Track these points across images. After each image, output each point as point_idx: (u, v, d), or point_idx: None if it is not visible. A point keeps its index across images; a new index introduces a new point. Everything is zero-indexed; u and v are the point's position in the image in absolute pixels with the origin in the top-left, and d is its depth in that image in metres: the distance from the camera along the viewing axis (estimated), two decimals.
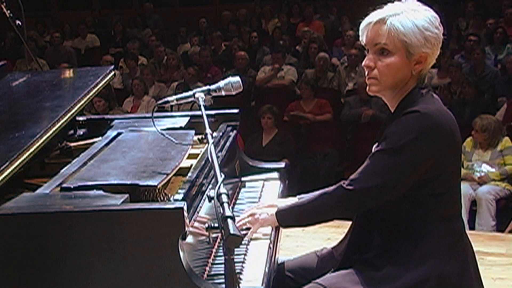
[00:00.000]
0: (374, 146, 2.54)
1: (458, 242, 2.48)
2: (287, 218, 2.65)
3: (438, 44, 2.48)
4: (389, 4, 2.50)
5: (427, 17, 2.45)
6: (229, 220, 2.06)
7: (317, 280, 2.55)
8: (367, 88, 2.55)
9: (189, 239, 2.36)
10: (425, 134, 2.35)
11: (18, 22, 4.29)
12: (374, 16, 2.49)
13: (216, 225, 2.28)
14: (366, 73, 2.53)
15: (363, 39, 2.53)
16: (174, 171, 2.66)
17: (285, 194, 3.40)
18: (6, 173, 2.43)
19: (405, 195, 2.41)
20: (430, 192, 2.41)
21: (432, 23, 2.45)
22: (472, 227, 6.35)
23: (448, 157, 2.42)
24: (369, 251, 2.50)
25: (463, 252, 2.49)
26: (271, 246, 2.71)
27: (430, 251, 2.42)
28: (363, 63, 2.54)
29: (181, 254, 2.23)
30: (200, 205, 2.59)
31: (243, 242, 2.61)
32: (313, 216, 2.60)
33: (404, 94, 2.50)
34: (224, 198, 2.15)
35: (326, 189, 2.55)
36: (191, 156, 3.00)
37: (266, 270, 2.54)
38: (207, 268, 2.52)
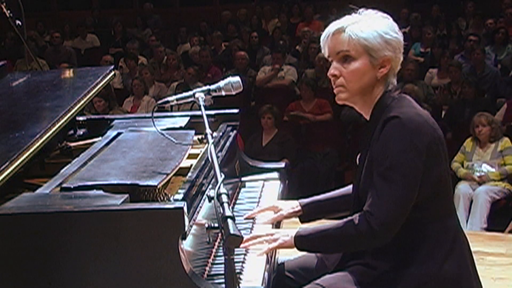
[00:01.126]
0: (358, 157, 2.55)
1: (455, 240, 2.48)
2: (306, 245, 2.58)
3: (400, 48, 2.50)
4: (347, 16, 2.53)
5: (385, 22, 2.49)
6: (229, 220, 2.06)
7: (317, 281, 2.55)
8: (336, 97, 2.56)
9: (189, 239, 2.37)
10: (411, 141, 2.35)
11: (18, 22, 4.29)
12: (332, 27, 2.52)
13: (216, 225, 2.28)
14: (332, 82, 2.54)
15: (325, 51, 2.55)
16: (174, 171, 2.66)
17: (285, 194, 3.40)
18: (6, 173, 2.43)
19: None
20: (426, 192, 2.41)
21: (391, 28, 2.49)
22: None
23: (437, 153, 2.42)
24: (366, 252, 2.50)
25: (461, 250, 2.49)
26: None
27: (428, 251, 2.42)
28: (328, 73, 2.55)
29: (181, 254, 2.23)
30: (200, 205, 2.59)
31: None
32: (334, 248, 2.57)
33: (375, 100, 2.51)
34: (224, 198, 2.14)
35: (346, 222, 2.44)
36: (191, 156, 3.00)
37: (266, 270, 2.54)
38: (207, 268, 2.52)
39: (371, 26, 2.46)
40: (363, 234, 2.39)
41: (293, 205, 2.97)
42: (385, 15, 2.52)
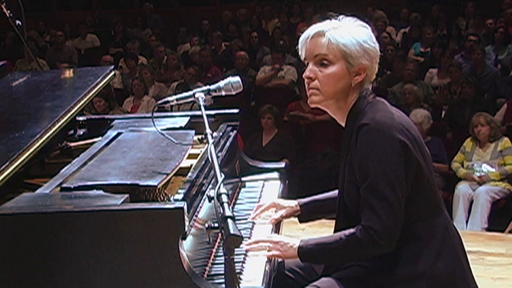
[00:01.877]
0: (340, 165, 2.56)
1: (445, 238, 2.49)
2: (309, 259, 2.58)
3: (376, 58, 2.53)
4: (326, 21, 2.54)
5: (365, 32, 2.52)
6: (229, 220, 2.06)
7: (314, 283, 2.55)
8: (308, 100, 2.57)
9: (189, 239, 2.37)
10: (384, 146, 2.37)
11: (18, 22, 4.29)
12: (312, 29, 2.54)
13: (216, 225, 2.28)
14: (307, 84, 2.55)
15: (302, 53, 2.57)
16: (174, 171, 2.66)
17: (285, 194, 3.40)
18: (6, 173, 2.43)
19: None
20: (413, 191, 2.42)
21: (370, 38, 2.52)
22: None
23: (413, 151, 2.42)
24: None
25: (453, 249, 2.50)
26: None
27: (417, 250, 2.44)
28: (303, 75, 2.56)
29: (181, 254, 2.23)
30: (200, 205, 2.59)
31: (243, 243, 2.60)
32: (338, 261, 2.57)
33: (349, 106, 2.53)
34: (224, 198, 2.15)
35: (348, 237, 2.44)
36: (191, 156, 3.00)
37: (266, 270, 2.54)
38: (207, 268, 2.52)
39: (351, 33, 2.49)
40: (369, 247, 2.41)
41: (292, 204, 2.97)
42: (364, 24, 2.55)
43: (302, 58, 2.57)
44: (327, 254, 2.52)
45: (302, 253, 2.55)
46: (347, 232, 2.45)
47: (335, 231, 2.57)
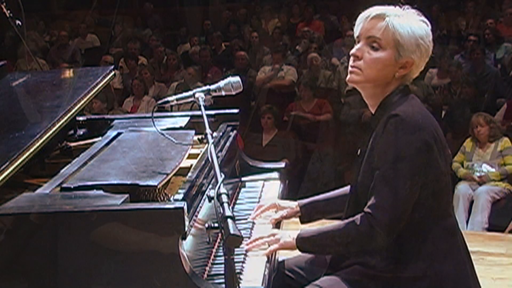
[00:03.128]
0: (359, 150, 2.55)
1: (452, 240, 2.48)
2: (307, 246, 2.58)
3: (426, 57, 2.51)
4: (391, 6, 2.51)
5: (424, 28, 2.49)
6: (229, 220, 2.06)
7: (315, 282, 2.55)
8: (348, 77, 2.54)
9: (189, 239, 2.36)
10: (410, 139, 2.35)
11: (18, 22, 4.29)
12: (374, 10, 2.50)
13: (216, 225, 2.28)
14: (351, 61, 2.52)
15: (357, 29, 2.53)
16: (174, 171, 2.66)
17: (285, 194, 3.40)
18: (6, 173, 2.43)
19: None
20: (425, 192, 2.41)
21: (427, 35, 2.49)
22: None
23: (437, 154, 2.41)
24: (364, 251, 2.50)
25: (458, 250, 2.49)
26: None
27: (426, 251, 2.43)
28: (350, 52, 2.53)
29: (181, 254, 2.23)
30: (200, 205, 2.59)
31: (243, 243, 2.60)
32: (335, 249, 2.55)
33: (385, 95, 2.51)
34: (224, 198, 2.14)
35: (347, 224, 2.45)
36: (191, 156, 3.00)
37: (266, 270, 2.54)
38: (207, 268, 2.52)
39: (411, 25, 2.46)
40: (365, 235, 2.39)
41: (292, 205, 2.97)
42: (426, 20, 2.53)
43: (356, 35, 2.54)
44: (324, 241, 2.51)
45: (300, 241, 2.55)
46: (347, 220, 2.45)
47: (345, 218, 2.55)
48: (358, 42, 2.52)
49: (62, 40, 11.99)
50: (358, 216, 2.41)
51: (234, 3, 14.10)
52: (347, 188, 2.81)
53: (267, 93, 9.18)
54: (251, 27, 12.20)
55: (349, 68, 2.52)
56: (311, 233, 2.55)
